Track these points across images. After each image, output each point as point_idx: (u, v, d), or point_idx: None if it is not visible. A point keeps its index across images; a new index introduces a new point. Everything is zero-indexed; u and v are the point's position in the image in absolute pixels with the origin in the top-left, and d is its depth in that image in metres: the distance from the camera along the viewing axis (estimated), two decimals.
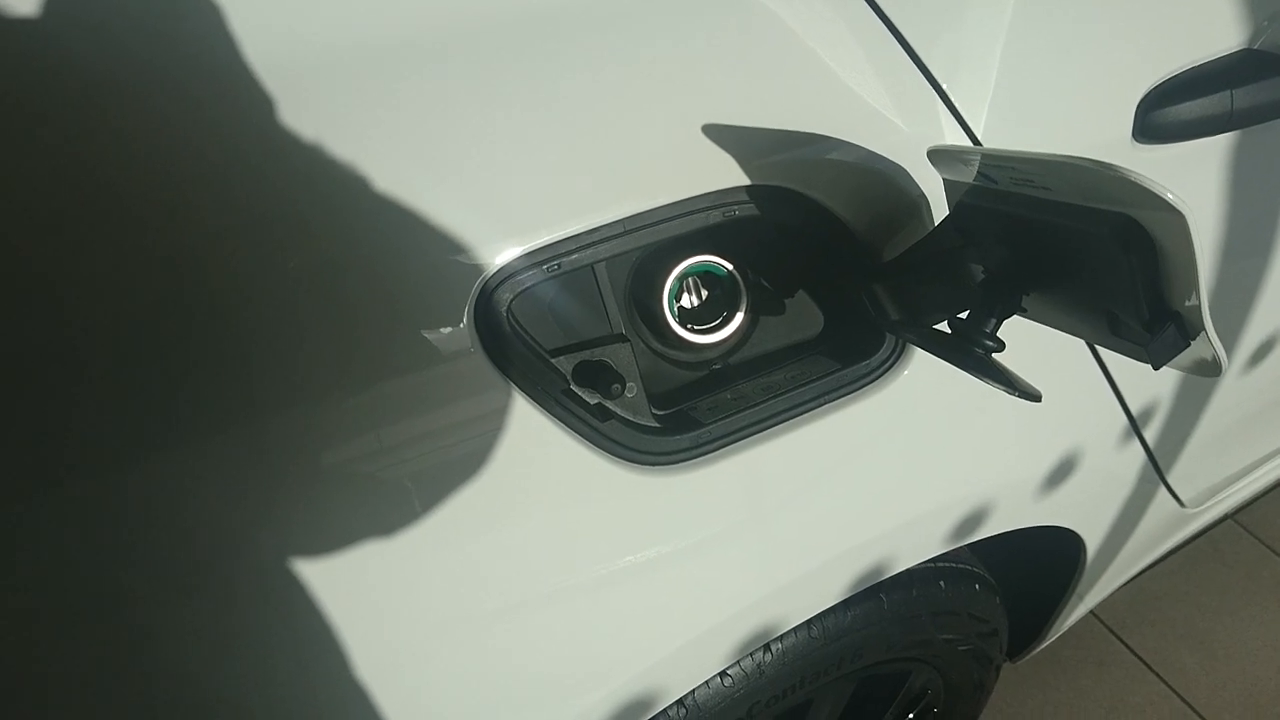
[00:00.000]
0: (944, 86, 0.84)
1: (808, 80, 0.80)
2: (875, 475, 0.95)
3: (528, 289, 0.76)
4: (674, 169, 0.76)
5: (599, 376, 0.81)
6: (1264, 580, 2.23)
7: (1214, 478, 1.56)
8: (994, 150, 0.64)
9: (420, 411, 0.72)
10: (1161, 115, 0.91)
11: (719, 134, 0.76)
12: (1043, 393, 0.72)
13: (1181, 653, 2.10)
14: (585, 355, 0.83)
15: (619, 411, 0.85)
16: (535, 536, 0.79)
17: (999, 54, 0.85)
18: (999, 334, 0.73)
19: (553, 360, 0.81)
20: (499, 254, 0.72)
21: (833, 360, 0.93)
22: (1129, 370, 1.10)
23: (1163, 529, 1.54)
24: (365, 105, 0.67)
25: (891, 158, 0.82)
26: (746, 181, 0.79)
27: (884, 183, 0.83)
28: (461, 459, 0.74)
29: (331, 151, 0.66)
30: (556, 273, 0.75)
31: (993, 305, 0.72)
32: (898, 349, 0.91)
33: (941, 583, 1.27)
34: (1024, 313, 0.72)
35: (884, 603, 1.17)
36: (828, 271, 0.91)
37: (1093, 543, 1.35)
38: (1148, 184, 0.50)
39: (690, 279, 0.94)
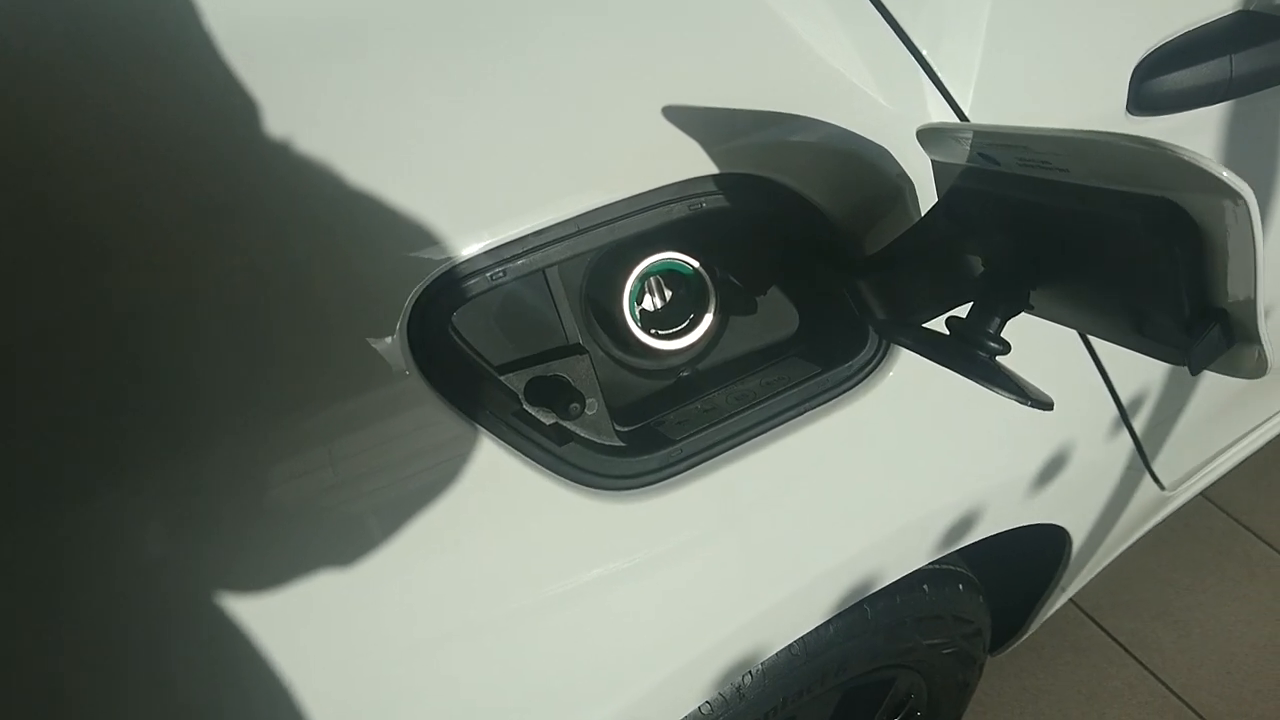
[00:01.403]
0: (927, 58, 0.75)
1: (778, 54, 0.71)
2: (861, 485, 0.87)
3: (471, 299, 0.66)
4: (632, 158, 0.67)
5: (555, 394, 0.72)
6: (1235, 554, 2.21)
7: (1193, 460, 1.51)
8: (998, 128, 0.56)
9: (349, 447, 0.62)
10: (1157, 85, 0.84)
11: (681, 117, 0.67)
12: (1036, 386, 0.64)
13: (1157, 633, 2.07)
14: (539, 370, 0.73)
15: (579, 432, 0.76)
16: (490, 578, 0.70)
17: (985, 22, 0.77)
18: (1003, 334, 0.65)
19: (502, 378, 0.72)
20: (436, 261, 0.62)
21: (811, 363, 0.84)
22: (1119, 358, 1.03)
23: (1143, 514, 1.50)
24: (272, 85, 0.57)
25: (872, 138, 0.74)
26: (713, 169, 0.70)
27: (865, 166, 0.74)
28: (399, 499, 0.64)
29: (238, 139, 0.56)
30: (502, 280, 0.66)
31: (995, 302, 0.64)
32: (882, 348, 0.83)
33: (925, 586, 1.20)
34: (1031, 310, 0.64)
35: (868, 613, 1.10)
36: (805, 266, 0.82)
37: (1079, 536, 1.29)
38: (1202, 163, 0.42)
39: (652, 279, 0.85)
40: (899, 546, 0.95)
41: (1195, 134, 0.91)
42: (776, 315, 0.88)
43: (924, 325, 0.73)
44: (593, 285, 0.81)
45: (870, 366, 0.83)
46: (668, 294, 0.86)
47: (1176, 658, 2.03)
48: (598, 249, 0.70)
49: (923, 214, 0.72)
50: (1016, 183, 0.59)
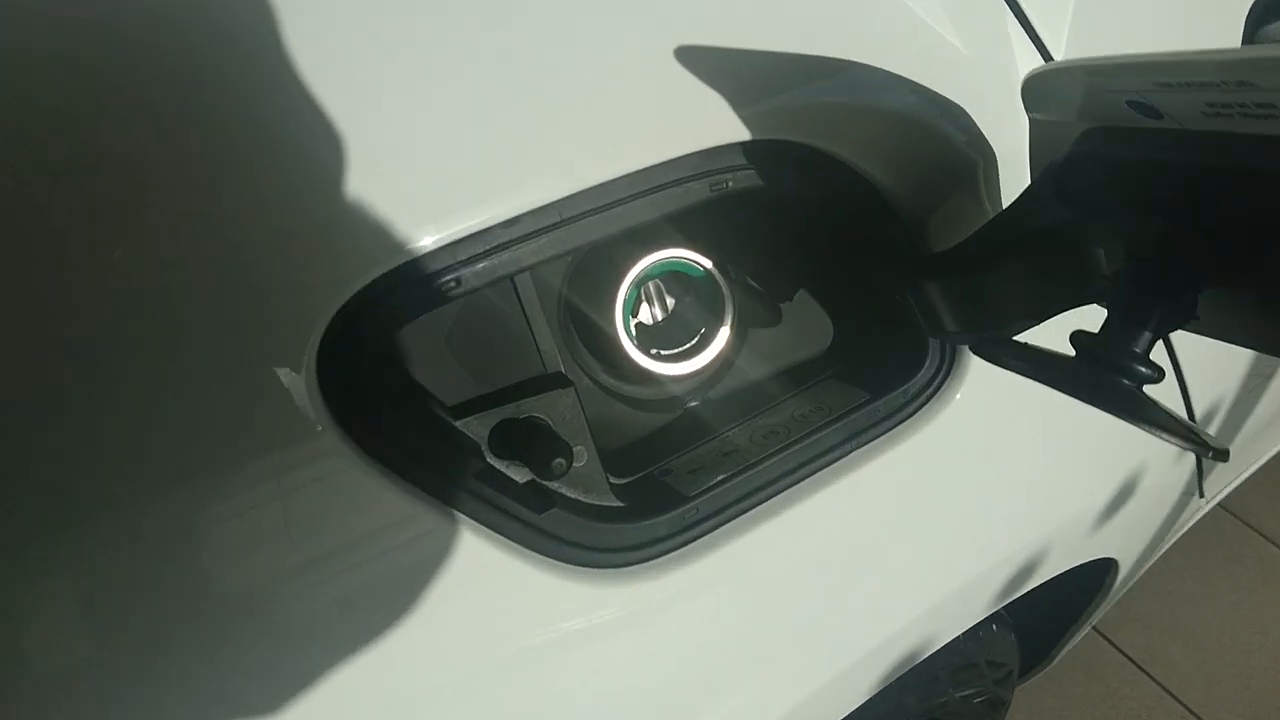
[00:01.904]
0: None
1: None
2: (918, 541, 0.69)
3: (413, 318, 0.47)
4: (635, 122, 0.48)
5: (531, 443, 0.53)
6: (1247, 561, 2.08)
7: (1235, 469, 1.36)
8: (1181, 57, 0.38)
9: (238, 535, 0.42)
10: (1271, 32, 0.67)
11: (700, 66, 0.48)
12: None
13: (1171, 649, 1.93)
14: (508, 411, 0.54)
15: (564, 491, 0.57)
16: (447, 707, 0.51)
17: None
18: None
19: (459, 424, 0.53)
20: (361, 266, 0.43)
21: (855, 386, 0.66)
22: (1196, 363, 0.86)
23: (1180, 528, 1.35)
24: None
25: (946, 93, 0.56)
26: (742, 136, 0.51)
27: (935, 132, 0.56)
28: (313, 610, 0.45)
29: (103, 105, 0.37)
30: (456, 290, 0.46)
31: (1144, 312, 0.46)
32: (945, 364, 0.65)
33: (961, 635, 1.03)
34: (1195, 322, 0.46)
35: (904, 677, 0.92)
36: (850, 263, 0.64)
37: (1126, 565, 1.13)
38: None
39: (651, 284, 0.66)
40: (956, 608, 0.77)
41: None
42: (807, 326, 0.69)
43: (1021, 341, 0.55)
44: (576, 293, 0.62)
45: (932, 389, 0.65)
46: (670, 303, 0.67)
47: (1193, 675, 1.90)
48: (585, 246, 0.50)
49: (1016, 194, 0.54)
50: (1187, 143, 0.41)
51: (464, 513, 0.50)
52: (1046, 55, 0.59)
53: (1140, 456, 0.86)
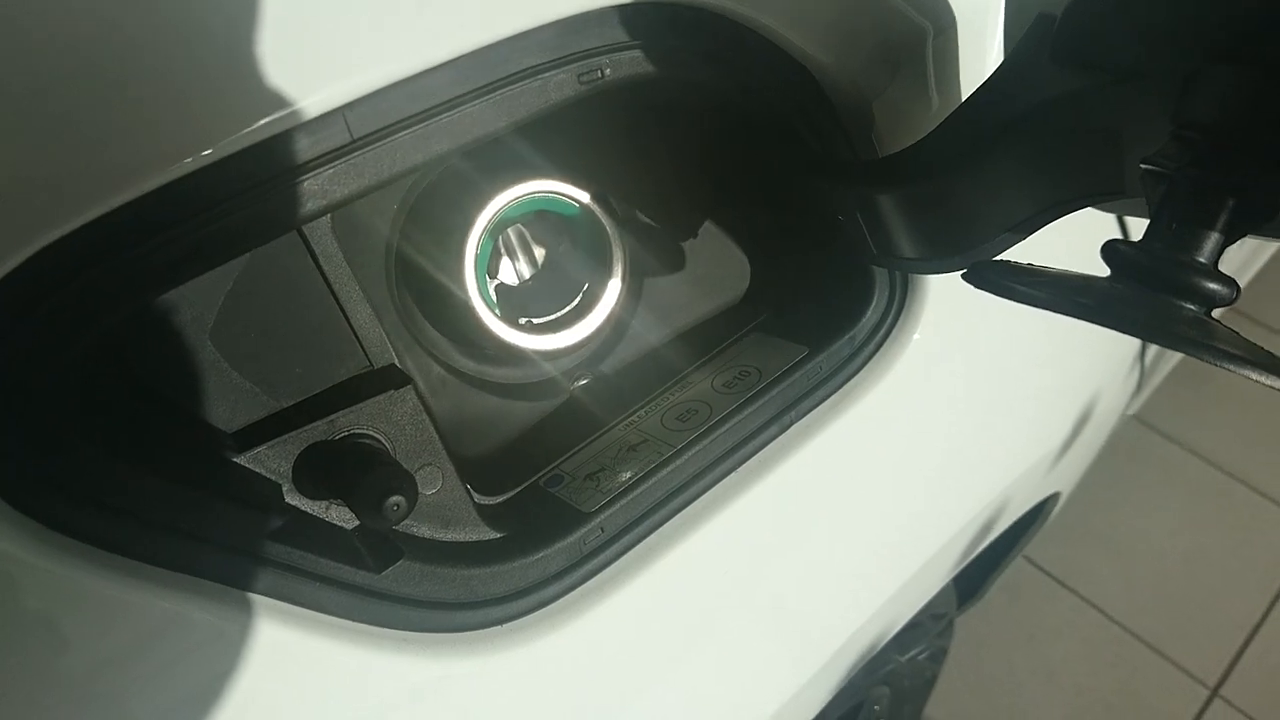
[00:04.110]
0: None
1: None
2: (875, 524, 0.55)
3: (151, 311, 0.29)
4: None
5: (351, 475, 0.36)
6: (1153, 464, 2.08)
7: (1155, 378, 1.31)
8: None
9: None
10: None
11: None
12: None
13: (1091, 560, 1.92)
14: (318, 432, 0.37)
15: (414, 530, 0.40)
16: None
17: None
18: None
19: (243, 459, 0.36)
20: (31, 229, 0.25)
21: (787, 339, 0.51)
22: None
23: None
24: None
25: None
26: None
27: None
28: None
29: None
30: (192, 262, 0.29)
31: (1211, 204, 0.32)
32: (896, 298, 0.51)
33: None
34: (1269, 224, 0.33)
35: None
36: (768, 179, 0.49)
37: (1066, 493, 1.04)
38: None
39: (512, 230, 0.49)
40: (920, 584, 0.65)
41: None
42: (718, 266, 0.54)
43: (1007, 259, 0.41)
44: (409, 245, 0.45)
45: (884, 331, 0.51)
46: (539, 253, 0.50)
47: (1111, 582, 1.89)
48: (406, 176, 0.33)
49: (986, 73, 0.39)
50: None
51: (257, 591, 0.33)
52: None
53: (1096, 384, 0.75)
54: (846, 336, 0.50)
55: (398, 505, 0.34)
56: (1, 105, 0.24)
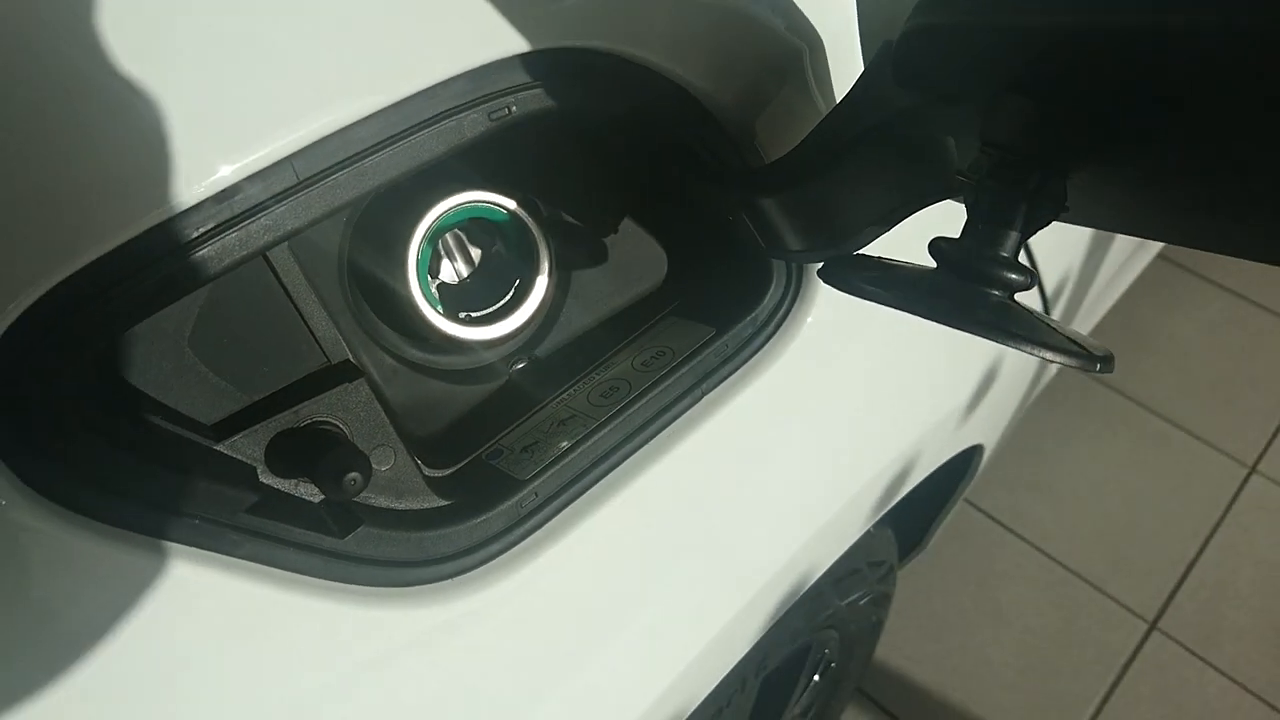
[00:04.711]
0: None
1: None
2: (788, 476, 0.63)
3: (133, 329, 0.36)
4: (368, 44, 0.37)
5: (314, 456, 0.43)
6: (1093, 411, 2.17)
7: (1082, 329, 1.39)
8: None
9: None
10: None
11: None
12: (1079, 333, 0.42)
13: (1033, 504, 2.01)
14: (285, 421, 0.44)
15: (372, 501, 0.47)
16: None
17: None
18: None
19: (222, 446, 0.42)
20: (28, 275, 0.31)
21: (699, 321, 0.58)
22: (1044, 241, 0.82)
23: (1034, 396, 1.37)
24: None
25: None
26: (522, 46, 0.41)
27: (753, 20, 0.47)
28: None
29: None
30: (180, 283, 0.36)
31: (1009, 208, 0.39)
32: (792, 282, 0.58)
33: None
34: (1065, 212, 0.40)
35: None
36: (673, 186, 0.56)
37: (991, 445, 1.12)
38: None
39: (449, 236, 0.56)
40: (836, 532, 0.72)
41: None
42: (637, 259, 0.61)
43: (867, 254, 0.48)
44: (360, 254, 0.51)
45: (782, 313, 0.58)
46: (475, 254, 0.57)
47: (1054, 526, 1.99)
48: (355, 201, 0.40)
49: (849, 87, 0.46)
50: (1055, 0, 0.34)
51: (240, 556, 0.40)
52: None
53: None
54: (749, 318, 0.57)
55: (354, 480, 0.41)
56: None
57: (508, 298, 0.56)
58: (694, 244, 0.60)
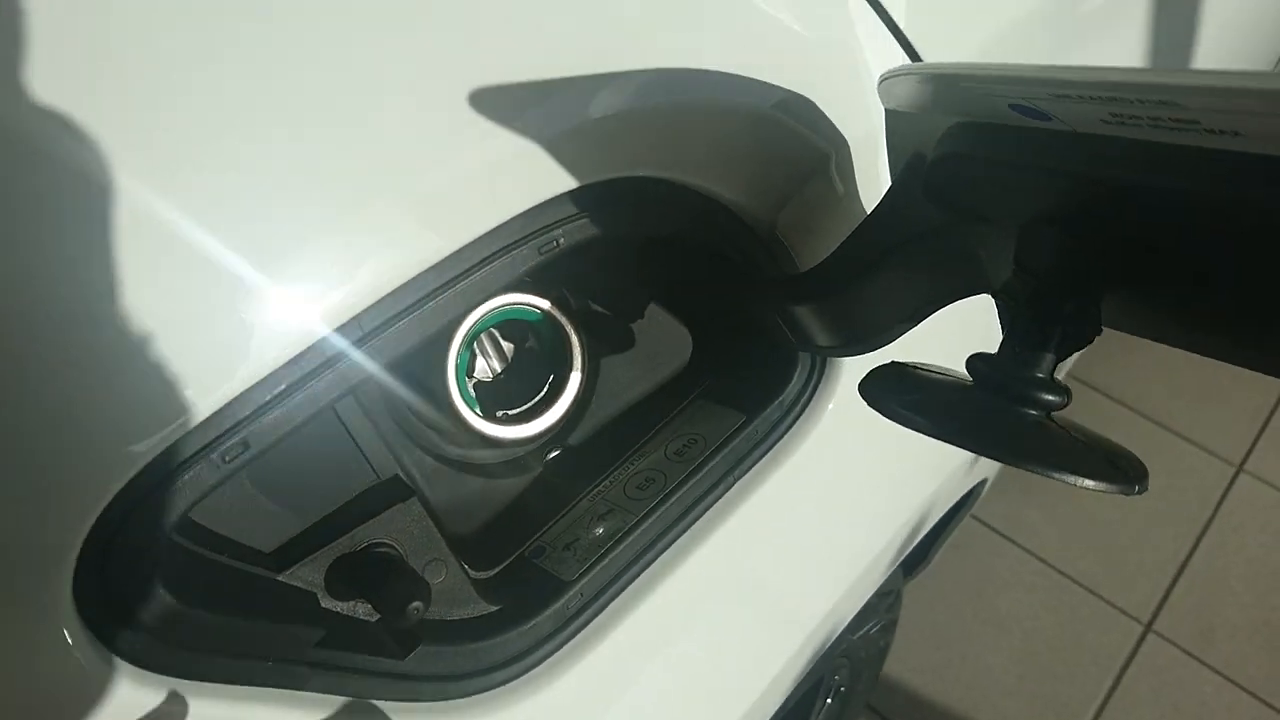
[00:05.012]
0: None
1: None
2: (817, 548, 0.65)
3: (199, 498, 0.37)
4: (422, 203, 0.38)
5: (375, 581, 0.44)
6: (1086, 417, 2.16)
7: None
8: (1077, 74, 0.32)
9: None
10: None
11: (494, 106, 0.39)
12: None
13: (1031, 513, 2.03)
14: (342, 546, 0.45)
15: (427, 615, 0.48)
16: None
17: None
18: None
19: (284, 576, 0.43)
20: (104, 473, 0.32)
21: (727, 406, 0.60)
22: None
23: None
24: None
25: (789, 85, 0.48)
26: (569, 184, 0.42)
27: (785, 132, 0.49)
28: None
29: None
30: (243, 456, 0.36)
31: (1045, 331, 0.41)
32: (816, 369, 0.60)
33: None
34: (1097, 332, 0.42)
35: None
36: (702, 284, 0.57)
37: (993, 476, 1.14)
38: None
39: (485, 335, 0.57)
40: (860, 588, 0.74)
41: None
42: (662, 341, 0.62)
43: (904, 367, 0.49)
44: (401, 369, 0.52)
45: (806, 398, 0.59)
46: (508, 348, 0.58)
47: (1048, 532, 2.01)
48: (409, 350, 0.41)
49: (873, 180, 0.48)
50: (1083, 148, 0.36)
51: (311, 689, 0.41)
52: (890, 23, 0.52)
53: None
54: (776, 403, 0.58)
55: (417, 609, 0.42)
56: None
57: (542, 393, 0.57)
58: (718, 325, 0.61)
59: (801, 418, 0.59)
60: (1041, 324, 0.41)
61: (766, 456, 0.58)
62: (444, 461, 0.56)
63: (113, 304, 0.30)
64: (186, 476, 0.34)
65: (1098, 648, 1.86)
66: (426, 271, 0.38)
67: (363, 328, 0.38)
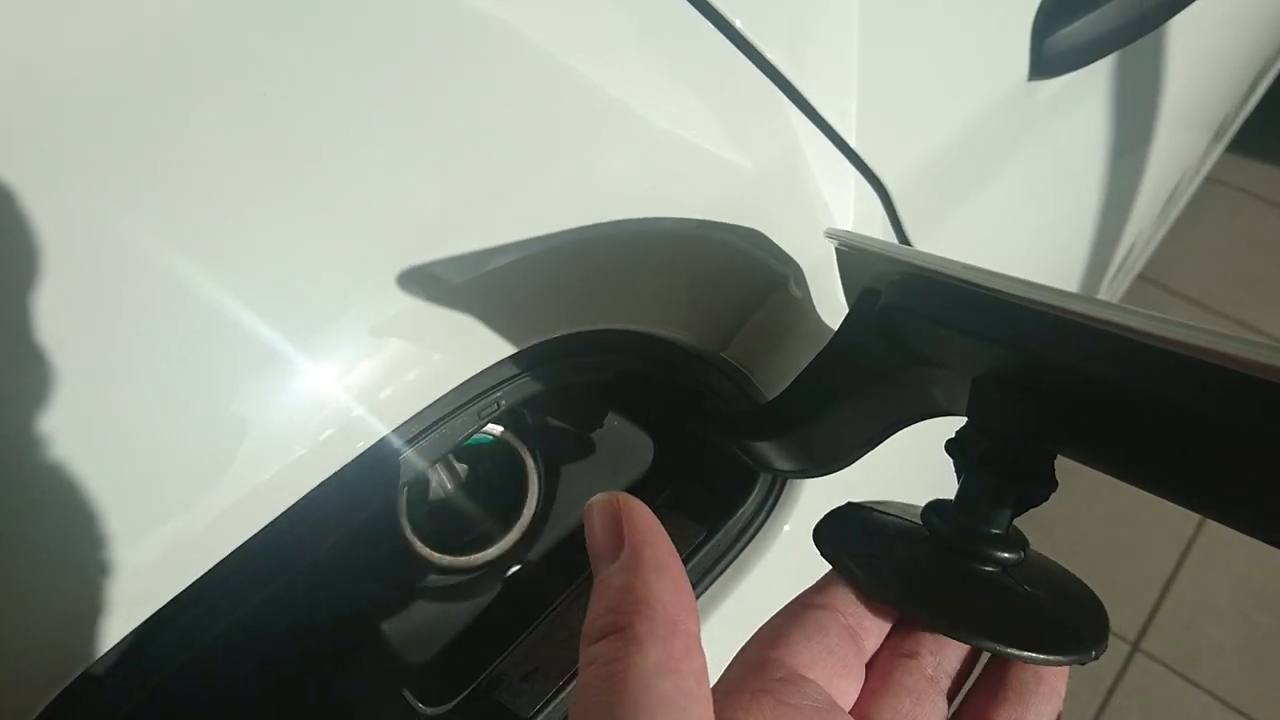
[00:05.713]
0: (789, 77, 0.48)
1: (573, 114, 0.42)
2: None
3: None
4: (367, 388, 0.37)
5: None
6: None
7: None
8: (1028, 291, 0.31)
9: None
10: (1060, 40, 0.62)
11: (422, 285, 0.37)
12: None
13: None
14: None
15: None
16: None
17: (855, 14, 0.51)
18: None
19: None
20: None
21: (688, 519, 0.58)
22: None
23: None
24: None
25: (737, 218, 0.47)
26: (508, 350, 0.41)
27: (740, 265, 0.48)
28: None
29: None
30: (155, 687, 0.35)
31: (1000, 489, 0.40)
32: (775, 485, 0.59)
33: None
34: (1055, 489, 0.41)
35: None
36: (670, 423, 0.56)
37: None
38: None
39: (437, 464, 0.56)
40: None
41: (1089, 89, 0.70)
42: (621, 447, 0.61)
43: (860, 510, 0.47)
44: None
45: (764, 513, 0.58)
46: (461, 470, 0.57)
47: (1035, 549, 2.00)
48: (339, 532, 0.40)
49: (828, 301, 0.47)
50: (1034, 326, 0.35)
51: None
52: (839, 141, 0.51)
53: None
54: (735, 516, 0.57)
55: None
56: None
57: (498, 515, 0.56)
58: (677, 432, 0.60)
59: (758, 535, 0.58)
60: (997, 484, 0.40)
61: (729, 568, 0.57)
62: (397, 590, 0.55)
63: None
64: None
65: (1085, 667, 1.85)
66: (362, 454, 0.37)
67: (296, 532, 0.37)
